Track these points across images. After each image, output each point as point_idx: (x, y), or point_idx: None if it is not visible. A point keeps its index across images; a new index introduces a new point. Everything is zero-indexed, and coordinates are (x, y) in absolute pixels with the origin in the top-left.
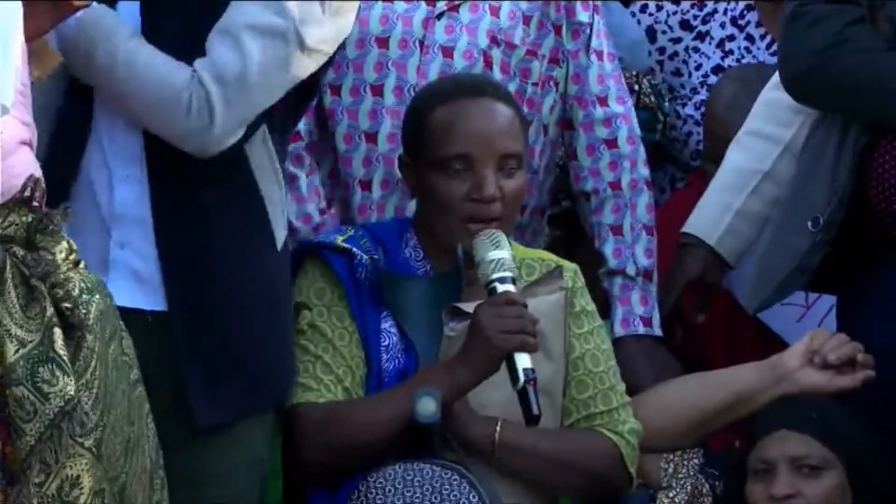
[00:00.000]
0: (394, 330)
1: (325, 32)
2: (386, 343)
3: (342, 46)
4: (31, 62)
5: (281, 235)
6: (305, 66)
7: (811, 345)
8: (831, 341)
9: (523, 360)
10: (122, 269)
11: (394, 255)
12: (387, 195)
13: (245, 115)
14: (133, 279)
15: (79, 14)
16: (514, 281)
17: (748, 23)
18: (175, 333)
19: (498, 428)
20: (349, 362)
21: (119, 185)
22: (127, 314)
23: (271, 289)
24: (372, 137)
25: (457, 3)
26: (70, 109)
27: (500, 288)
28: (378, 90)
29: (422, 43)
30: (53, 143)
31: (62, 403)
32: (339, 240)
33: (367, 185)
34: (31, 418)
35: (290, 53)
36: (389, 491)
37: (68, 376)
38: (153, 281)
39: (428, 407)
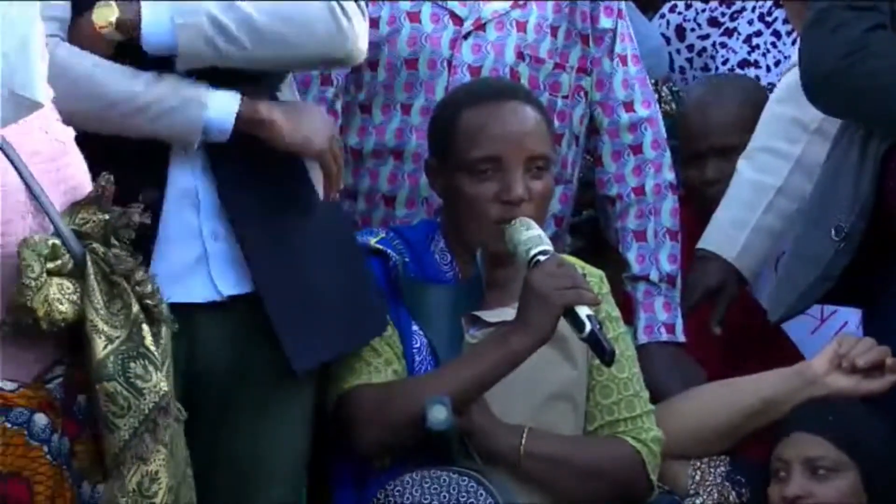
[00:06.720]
0: (422, 333)
1: None
2: (417, 345)
3: (373, 68)
4: None
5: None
6: None
7: (838, 349)
8: (859, 346)
9: (583, 310)
10: (222, 259)
11: (423, 258)
12: (411, 214)
13: None
14: (233, 266)
15: None
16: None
17: (775, 19)
18: (266, 299)
19: (524, 437)
20: (395, 350)
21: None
22: (231, 302)
23: (337, 240)
24: (398, 155)
25: (483, 21)
26: None
27: (544, 259)
28: (407, 109)
29: (450, 63)
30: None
31: (157, 399)
32: (373, 241)
33: (390, 202)
34: (125, 413)
35: None
36: (407, 499)
37: (160, 371)
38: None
39: (438, 415)
